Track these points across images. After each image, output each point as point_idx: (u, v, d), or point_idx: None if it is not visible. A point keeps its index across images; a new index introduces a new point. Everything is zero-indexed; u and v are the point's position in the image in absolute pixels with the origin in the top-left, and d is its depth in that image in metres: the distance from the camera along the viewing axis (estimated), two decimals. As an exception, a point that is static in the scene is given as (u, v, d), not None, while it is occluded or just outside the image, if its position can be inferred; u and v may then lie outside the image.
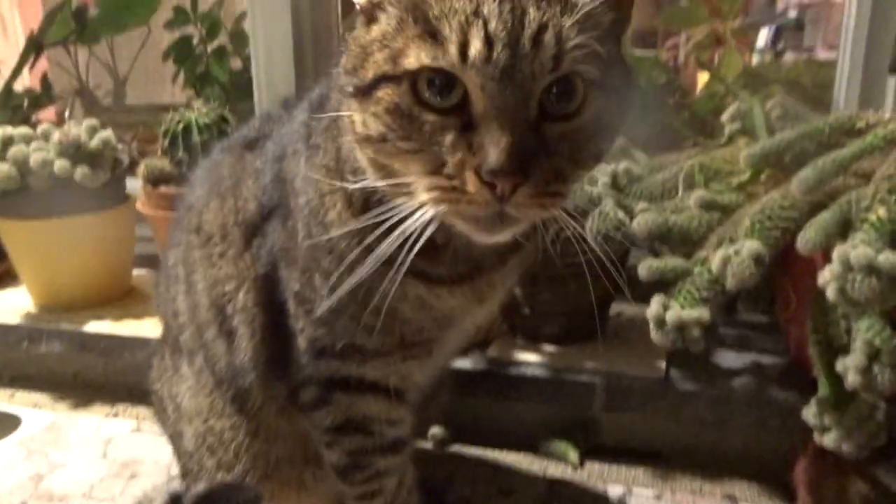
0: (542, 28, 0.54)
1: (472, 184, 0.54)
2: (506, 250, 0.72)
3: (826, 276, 0.76)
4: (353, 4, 0.63)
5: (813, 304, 0.90)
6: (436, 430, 1.17)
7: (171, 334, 0.89)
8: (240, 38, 1.79)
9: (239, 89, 1.80)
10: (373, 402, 0.76)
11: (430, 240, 0.65)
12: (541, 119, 0.55)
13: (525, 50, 0.53)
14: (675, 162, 1.18)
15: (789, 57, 2.84)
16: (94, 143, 1.30)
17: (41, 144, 1.28)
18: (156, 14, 1.93)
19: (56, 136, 1.28)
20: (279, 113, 0.81)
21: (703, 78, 1.79)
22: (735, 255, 0.85)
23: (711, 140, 1.24)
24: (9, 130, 1.28)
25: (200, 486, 0.79)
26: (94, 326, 1.33)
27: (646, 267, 0.93)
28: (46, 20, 1.95)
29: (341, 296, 0.68)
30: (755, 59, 2.35)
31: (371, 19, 0.60)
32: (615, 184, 1.13)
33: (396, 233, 0.58)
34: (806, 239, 0.82)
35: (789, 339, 1.09)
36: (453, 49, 0.53)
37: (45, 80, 2.02)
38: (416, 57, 0.55)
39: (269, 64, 1.51)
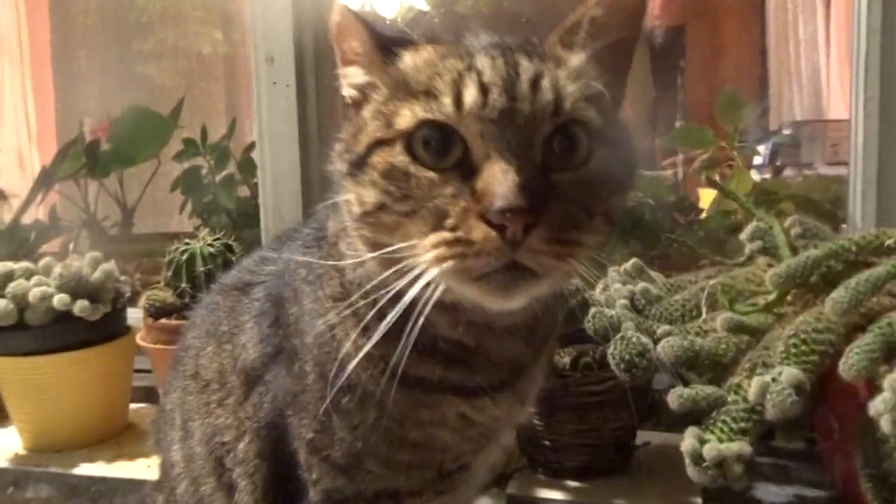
0: (538, 75, 0.53)
1: (478, 231, 0.50)
2: (538, 341, 0.67)
3: (879, 408, 0.71)
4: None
5: (861, 434, 0.83)
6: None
7: (167, 484, 0.82)
8: (248, 166, 1.81)
9: (246, 217, 1.80)
10: None
11: (461, 344, 0.62)
12: (547, 169, 0.53)
13: (524, 93, 0.52)
14: (694, 282, 1.15)
15: (788, 173, 2.89)
16: (96, 275, 1.27)
17: (42, 279, 1.25)
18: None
19: (57, 269, 1.25)
20: (273, 254, 0.78)
21: (704, 194, 1.80)
22: (774, 382, 0.79)
23: (725, 258, 1.21)
24: (9, 266, 1.26)
25: None
26: (86, 468, 1.25)
27: (676, 396, 0.87)
28: (59, 155, 1.99)
29: (367, 437, 0.62)
30: (755, 176, 2.39)
31: (362, 103, 0.59)
32: (633, 305, 1.09)
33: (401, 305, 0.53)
34: (849, 365, 0.77)
35: (833, 470, 1.01)
36: (448, 100, 0.52)
37: (53, 212, 2.04)
38: (411, 113, 0.53)
39: (277, 192, 1.51)
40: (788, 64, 4.15)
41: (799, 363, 0.82)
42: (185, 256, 1.24)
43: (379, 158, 0.55)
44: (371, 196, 0.55)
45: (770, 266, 1.02)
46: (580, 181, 0.54)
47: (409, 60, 0.57)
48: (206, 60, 3.18)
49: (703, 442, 0.82)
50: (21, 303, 1.22)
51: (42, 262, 1.30)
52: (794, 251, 0.99)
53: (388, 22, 1.72)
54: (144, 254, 1.88)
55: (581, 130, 0.54)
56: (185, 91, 2.45)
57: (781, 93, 4.10)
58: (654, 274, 1.21)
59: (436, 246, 0.51)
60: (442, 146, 0.53)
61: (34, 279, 1.25)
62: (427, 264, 0.51)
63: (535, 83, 0.53)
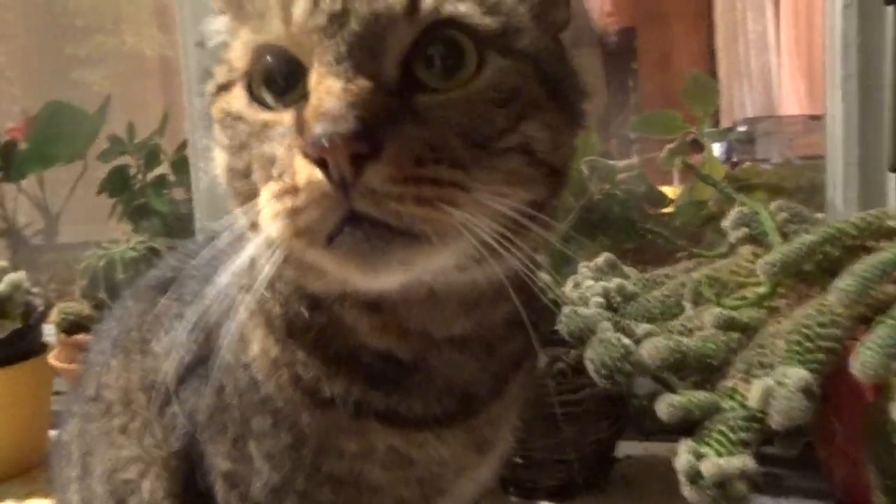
0: None
1: (302, 172, 0.38)
2: (500, 365, 0.53)
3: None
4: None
5: (871, 438, 0.74)
6: None
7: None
8: (183, 165, 1.66)
9: (182, 221, 1.65)
10: None
11: (393, 357, 0.49)
12: (412, 88, 0.40)
13: None
14: (672, 277, 1.05)
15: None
16: (2, 287, 1.12)
17: (-64, 292, 1.09)
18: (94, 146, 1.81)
19: (-45, 281, 1.10)
20: (197, 247, 0.66)
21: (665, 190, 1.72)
22: (780, 386, 0.70)
23: (703, 250, 1.12)
24: None
25: None
26: (-7, 509, 1.10)
27: (666, 405, 0.76)
28: (-29, 158, 1.81)
29: (282, 466, 0.50)
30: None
31: None
32: (608, 304, 0.99)
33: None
34: (863, 361, 0.68)
35: (833, 478, 0.92)
36: (276, 13, 0.41)
37: (-35, 221, 1.85)
38: (241, 44, 0.44)
39: (212, 191, 1.37)
40: (738, 63, 4.17)
41: (804, 362, 0.72)
42: (102, 263, 1.09)
43: (216, 108, 0.45)
44: (219, 159, 0.45)
45: (756, 255, 0.93)
46: (463, 103, 0.41)
47: None
48: (147, 60, 3.02)
49: (699, 457, 0.72)
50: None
51: (-63, 275, 1.14)
52: (785, 238, 0.90)
53: None
54: (70, 263, 1.71)
55: (464, 37, 0.41)
56: (122, 93, 2.29)
57: (732, 91, 4.11)
58: (627, 269, 1.12)
59: (269, 202, 0.40)
60: (287, 80, 0.42)
61: (-74, 293, 1.09)
62: (264, 228, 0.40)
63: None
